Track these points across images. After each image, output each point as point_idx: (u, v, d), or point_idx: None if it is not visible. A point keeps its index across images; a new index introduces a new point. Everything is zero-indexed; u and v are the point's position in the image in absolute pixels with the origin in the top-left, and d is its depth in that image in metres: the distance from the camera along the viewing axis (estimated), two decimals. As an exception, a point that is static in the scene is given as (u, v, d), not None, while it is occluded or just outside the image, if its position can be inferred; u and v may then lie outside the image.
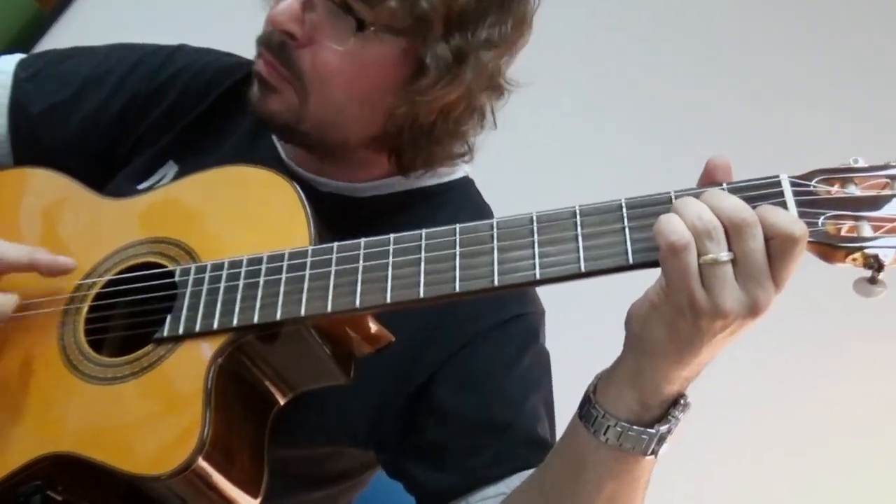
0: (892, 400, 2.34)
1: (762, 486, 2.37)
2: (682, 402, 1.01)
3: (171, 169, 1.42)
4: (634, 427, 0.99)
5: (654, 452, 1.01)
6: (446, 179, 1.39)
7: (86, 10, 2.93)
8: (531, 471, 1.17)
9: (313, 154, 1.34)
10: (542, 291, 1.32)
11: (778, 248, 0.90)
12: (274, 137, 1.40)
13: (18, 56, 1.52)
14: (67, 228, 1.30)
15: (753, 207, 0.92)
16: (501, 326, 1.27)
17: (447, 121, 1.25)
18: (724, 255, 0.90)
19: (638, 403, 0.99)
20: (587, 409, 1.02)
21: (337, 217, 1.21)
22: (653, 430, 0.99)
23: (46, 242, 1.28)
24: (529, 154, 2.51)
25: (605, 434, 1.00)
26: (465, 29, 1.19)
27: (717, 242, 0.91)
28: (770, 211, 0.91)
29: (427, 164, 1.31)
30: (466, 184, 1.42)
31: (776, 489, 2.36)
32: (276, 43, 1.23)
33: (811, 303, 2.02)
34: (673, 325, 0.94)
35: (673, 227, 0.91)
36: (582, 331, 2.06)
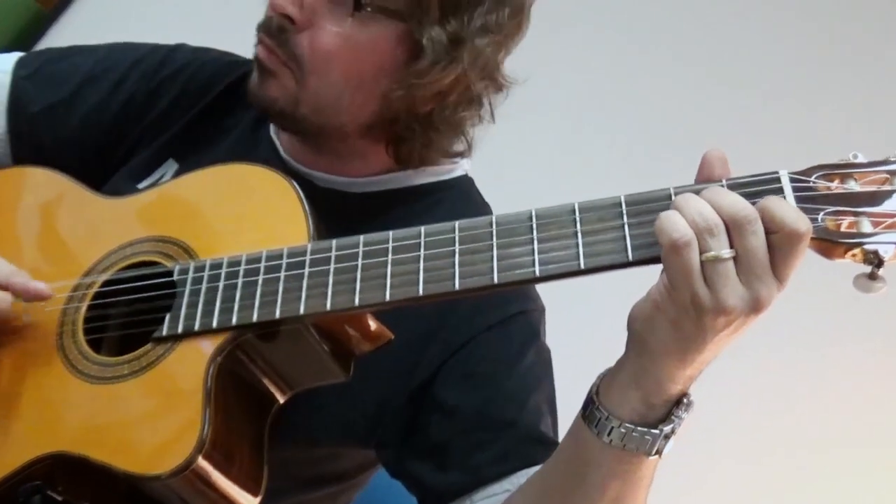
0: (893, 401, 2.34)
1: (762, 487, 2.36)
2: (685, 401, 1.00)
3: (170, 167, 1.41)
4: (638, 428, 0.99)
5: (659, 452, 1.01)
6: (444, 178, 1.39)
7: (86, 10, 2.93)
8: (535, 468, 1.17)
9: (310, 143, 1.34)
10: (542, 289, 1.32)
11: (782, 243, 0.90)
12: (272, 133, 1.40)
13: (17, 55, 1.52)
14: (66, 227, 1.30)
15: (754, 203, 0.91)
16: (502, 324, 1.27)
17: (444, 108, 1.26)
18: (726, 253, 0.90)
19: (642, 404, 0.99)
20: (590, 411, 1.02)
21: (333, 213, 1.21)
22: (657, 431, 0.99)
23: (45, 242, 1.29)
24: (529, 152, 2.51)
25: (608, 435, 1.00)
26: (460, 13, 1.20)
27: (718, 239, 0.90)
28: (776, 203, 0.91)
29: (424, 157, 1.31)
30: (465, 182, 1.42)
31: (776, 490, 2.36)
32: (274, 27, 1.24)
33: (812, 303, 2.02)
34: (676, 324, 0.93)
35: (675, 224, 0.91)
36: (583, 328, 2.05)
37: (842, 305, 2.13)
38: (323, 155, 1.34)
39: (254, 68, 1.28)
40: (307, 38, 1.22)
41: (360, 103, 1.26)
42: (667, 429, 0.99)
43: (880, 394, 2.34)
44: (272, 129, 1.41)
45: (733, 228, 0.90)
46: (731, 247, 0.90)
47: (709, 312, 0.91)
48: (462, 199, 1.39)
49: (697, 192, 0.94)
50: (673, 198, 0.95)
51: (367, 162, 1.34)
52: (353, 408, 1.27)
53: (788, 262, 0.90)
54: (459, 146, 1.35)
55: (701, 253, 0.90)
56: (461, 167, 1.41)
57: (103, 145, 1.46)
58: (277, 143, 1.39)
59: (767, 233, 0.90)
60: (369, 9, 1.19)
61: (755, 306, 0.90)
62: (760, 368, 2.29)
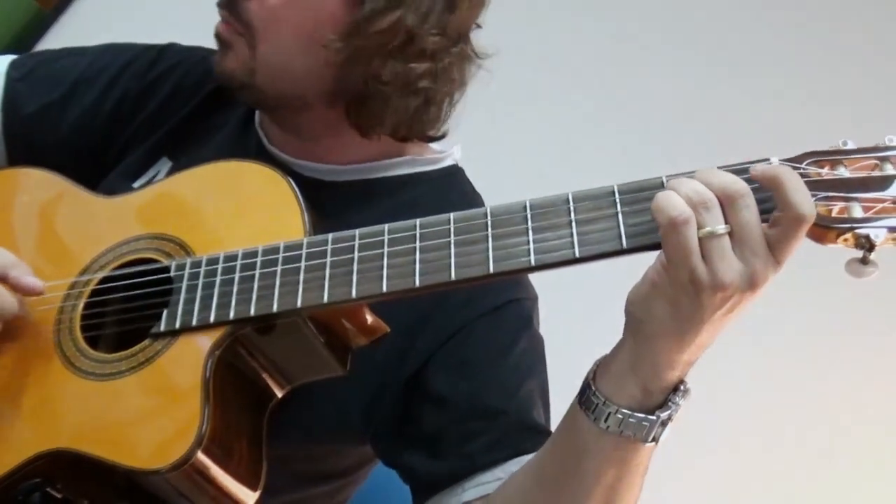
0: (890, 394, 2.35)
1: (757, 481, 2.37)
2: (682, 387, 1.00)
3: (164, 165, 1.42)
4: (636, 414, 0.99)
5: (655, 439, 1.01)
6: (431, 167, 1.39)
7: (86, 10, 2.93)
8: (528, 456, 1.17)
9: (279, 121, 1.36)
10: (536, 278, 1.32)
11: (784, 223, 0.90)
12: (258, 126, 1.41)
13: (10, 57, 1.53)
14: (62, 227, 1.31)
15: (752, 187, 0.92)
16: (495, 312, 1.27)
17: (392, 60, 1.25)
18: (721, 228, 0.91)
19: (639, 390, 0.99)
20: (587, 396, 1.02)
21: (319, 202, 1.21)
22: (654, 417, 0.99)
23: (41, 241, 1.29)
24: (522, 142, 2.52)
25: (605, 421, 1.00)
26: None
27: (712, 213, 0.91)
28: (792, 181, 0.90)
29: (385, 121, 1.29)
30: (454, 172, 1.42)
31: (771, 480, 2.36)
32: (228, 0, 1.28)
33: (808, 296, 2.03)
34: (674, 303, 0.94)
35: (672, 203, 0.91)
36: (577, 317, 2.06)
37: (835, 296, 2.13)
38: (301, 137, 1.35)
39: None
40: (256, 4, 1.26)
41: (313, 66, 1.27)
42: (664, 415, 0.99)
43: (877, 386, 2.34)
44: (258, 122, 1.42)
45: (726, 203, 0.91)
46: (726, 223, 0.91)
47: (706, 289, 0.91)
48: (450, 188, 1.39)
49: (690, 176, 0.95)
50: (665, 185, 0.96)
51: (346, 142, 1.34)
52: (349, 402, 1.27)
53: (788, 243, 0.91)
54: (436, 126, 1.34)
55: (698, 230, 0.91)
56: (451, 157, 1.42)
57: (97, 145, 1.47)
58: (262, 135, 1.40)
59: (772, 209, 0.91)
60: None
61: (751, 282, 0.91)
62: (755, 358, 2.29)
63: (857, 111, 2.36)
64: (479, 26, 1.33)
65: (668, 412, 0.99)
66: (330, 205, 1.29)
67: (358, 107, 1.29)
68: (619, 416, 0.99)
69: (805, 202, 0.89)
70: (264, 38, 1.26)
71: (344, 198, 1.34)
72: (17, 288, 1.17)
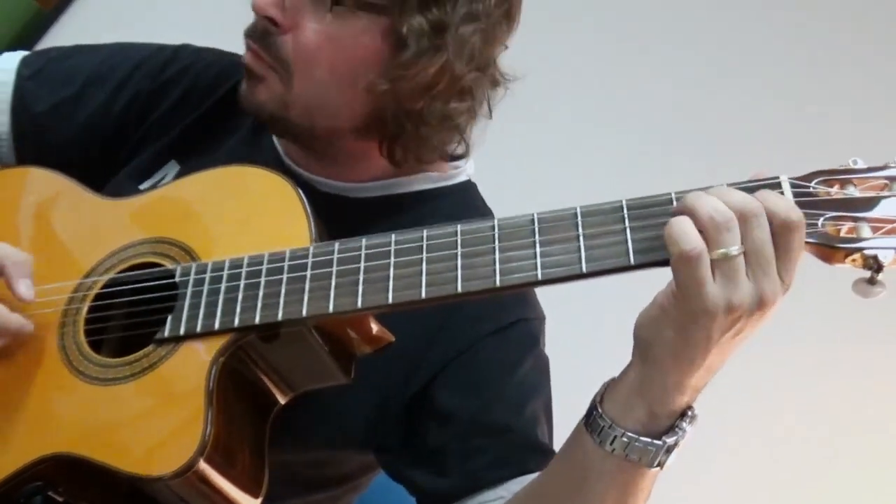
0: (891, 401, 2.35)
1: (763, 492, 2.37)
2: (689, 413, 1.00)
3: (172, 168, 1.41)
4: (642, 438, 0.98)
5: (660, 464, 1.00)
6: (446, 183, 1.39)
7: (86, 10, 2.93)
8: (532, 476, 1.17)
9: (306, 148, 1.34)
10: (542, 293, 1.32)
11: (777, 236, 0.91)
12: (274, 137, 1.40)
13: (21, 54, 1.52)
14: (67, 228, 1.30)
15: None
16: (502, 331, 1.27)
17: (433, 101, 1.24)
18: (735, 249, 0.91)
19: (646, 414, 0.98)
20: (593, 419, 1.01)
21: (334, 217, 1.21)
22: (660, 442, 0.98)
23: (45, 243, 1.29)
24: (531, 156, 2.52)
25: (611, 444, 0.99)
26: (442, 2, 1.19)
27: (733, 234, 0.91)
28: (767, 195, 0.92)
29: (420, 156, 1.30)
30: (467, 188, 1.42)
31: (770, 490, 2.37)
32: (259, 31, 1.25)
33: (808, 305, 2.03)
34: (683, 328, 0.94)
35: (685, 235, 0.91)
36: (583, 336, 2.05)
37: (839, 309, 2.13)
38: (323, 159, 1.34)
39: (244, 74, 1.28)
40: (291, 39, 1.23)
41: (349, 103, 1.25)
42: (670, 441, 0.99)
43: (878, 398, 2.35)
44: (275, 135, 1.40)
45: (741, 223, 0.91)
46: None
47: (718, 313, 0.91)
48: (464, 204, 1.39)
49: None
50: (674, 202, 0.96)
51: (368, 165, 1.34)
52: (352, 411, 1.27)
53: (788, 257, 0.91)
54: (458, 147, 1.35)
55: (713, 250, 0.91)
56: (464, 172, 1.41)
57: (106, 145, 1.46)
58: (279, 146, 1.39)
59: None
60: (348, 4, 1.19)
61: (761, 303, 0.91)
62: (757, 372, 2.29)
63: (857, 111, 2.36)
64: (506, 47, 1.31)
65: (675, 438, 0.99)
66: (349, 221, 1.28)
67: (393, 141, 1.28)
68: (625, 439, 0.98)
69: (789, 208, 0.90)
70: (300, 77, 1.23)
71: (363, 214, 1.33)
72: (11, 284, 1.15)
